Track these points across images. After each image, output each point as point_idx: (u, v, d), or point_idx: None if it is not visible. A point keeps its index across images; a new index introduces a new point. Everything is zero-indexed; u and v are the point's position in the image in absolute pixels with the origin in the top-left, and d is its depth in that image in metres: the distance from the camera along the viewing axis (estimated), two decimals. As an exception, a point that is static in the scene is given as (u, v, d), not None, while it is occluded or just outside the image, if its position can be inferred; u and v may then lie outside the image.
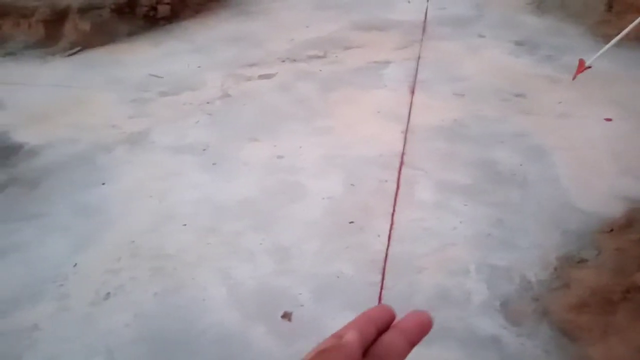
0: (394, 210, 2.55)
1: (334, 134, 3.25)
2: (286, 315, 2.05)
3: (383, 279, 2.17)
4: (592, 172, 2.78)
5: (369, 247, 2.35)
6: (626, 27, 3.33)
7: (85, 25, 4.71)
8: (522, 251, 2.29)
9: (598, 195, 2.61)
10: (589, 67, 3.50)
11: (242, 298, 2.14)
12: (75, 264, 2.34)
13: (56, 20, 4.69)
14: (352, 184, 2.77)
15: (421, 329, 0.42)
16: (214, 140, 3.23)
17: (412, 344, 0.41)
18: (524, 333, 1.92)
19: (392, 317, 0.43)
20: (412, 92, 3.66)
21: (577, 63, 3.58)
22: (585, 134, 3.11)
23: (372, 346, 0.39)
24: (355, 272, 2.22)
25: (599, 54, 3.47)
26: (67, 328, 2.05)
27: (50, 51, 4.61)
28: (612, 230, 2.33)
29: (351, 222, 2.50)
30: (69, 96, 3.90)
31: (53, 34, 4.69)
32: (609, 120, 3.23)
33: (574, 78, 3.59)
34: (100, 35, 4.76)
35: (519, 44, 4.39)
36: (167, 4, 5.15)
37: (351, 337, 0.38)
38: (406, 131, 3.20)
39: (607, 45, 3.44)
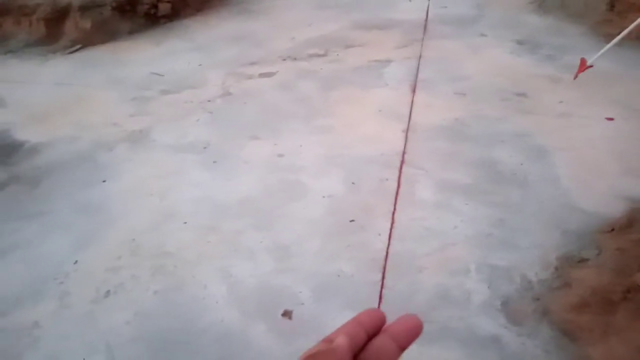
0: (394, 209, 2.55)
1: (334, 133, 3.25)
2: (287, 314, 2.05)
3: (383, 278, 2.17)
4: (593, 172, 2.77)
5: (369, 246, 2.35)
6: (628, 26, 3.33)
7: (86, 24, 4.71)
8: (522, 251, 2.28)
9: (599, 195, 2.60)
10: (591, 66, 3.49)
11: (242, 296, 2.14)
12: (76, 262, 2.34)
13: (57, 19, 4.70)
14: (352, 183, 2.77)
15: (411, 333, 0.42)
16: (214, 139, 3.24)
17: (402, 348, 0.41)
18: (524, 333, 1.92)
19: (383, 321, 0.43)
20: (414, 91, 3.66)
21: (578, 63, 3.57)
22: (586, 134, 3.11)
23: (362, 351, 0.40)
24: (356, 271, 2.22)
25: (600, 53, 3.46)
26: (68, 326, 2.05)
27: (51, 49, 4.61)
28: (613, 230, 2.33)
29: (352, 221, 2.50)
30: (70, 94, 3.90)
31: (54, 32, 4.69)
32: (610, 119, 3.22)
33: (575, 77, 3.59)
34: (101, 34, 4.76)
35: (520, 43, 4.38)
36: (168, 2, 5.15)
37: (341, 341, 0.39)
38: (407, 130, 3.20)
39: (609, 45, 3.43)
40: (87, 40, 4.69)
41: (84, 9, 4.73)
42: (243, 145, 3.16)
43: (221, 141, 3.21)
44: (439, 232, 2.41)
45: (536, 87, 3.68)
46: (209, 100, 3.70)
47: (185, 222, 2.56)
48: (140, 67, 4.28)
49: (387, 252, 2.30)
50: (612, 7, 4.45)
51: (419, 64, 4.07)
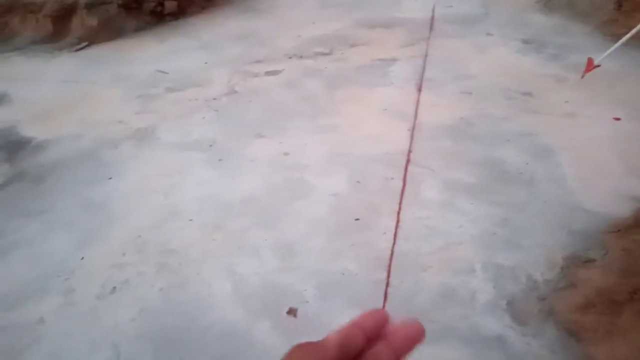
0: (399, 208, 2.55)
1: (339, 131, 3.24)
2: (291, 312, 2.05)
3: (388, 276, 2.17)
4: (598, 172, 2.76)
5: (374, 244, 2.35)
6: (635, 26, 3.30)
7: (93, 21, 4.73)
8: (528, 250, 2.28)
9: (605, 195, 2.59)
10: (598, 65, 3.47)
11: (247, 294, 2.14)
12: (83, 257, 2.35)
13: (63, 16, 4.72)
14: (357, 182, 2.76)
15: (412, 341, 0.42)
16: (220, 137, 3.24)
17: (401, 357, 0.41)
18: (529, 333, 1.91)
19: (385, 322, 0.43)
20: (419, 90, 3.65)
21: (584, 62, 3.55)
22: (591, 134, 3.09)
23: (360, 358, 0.40)
24: (360, 270, 2.22)
25: (607, 52, 3.44)
26: (73, 322, 2.06)
27: (57, 47, 4.63)
28: (619, 230, 2.32)
29: (357, 220, 2.50)
30: (76, 92, 3.91)
31: (60, 30, 4.71)
32: (617, 119, 3.21)
33: (582, 76, 3.57)
34: (107, 31, 4.78)
35: (526, 42, 4.37)
36: (174, 0, 5.16)
37: (330, 337, 0.39)
38: (413, 129, 3.20)
39: (616, 44, 3.41)
40: (93, 38, 4.71)
41: (90, 7, 4.75)
42: (248, 143, 3.17)
43: (226, 139, 3.22)
44: (444, 231, 2.40)
45: (542, 86, 3.66)
46: (215, 98, 3.71)
47: (191, 220, 2.56)
48: (146, 64, 4.29)
49: (392, 251, 2.29)
50: (619, 6, 4.43)
51: (424, 63, 4.05)
